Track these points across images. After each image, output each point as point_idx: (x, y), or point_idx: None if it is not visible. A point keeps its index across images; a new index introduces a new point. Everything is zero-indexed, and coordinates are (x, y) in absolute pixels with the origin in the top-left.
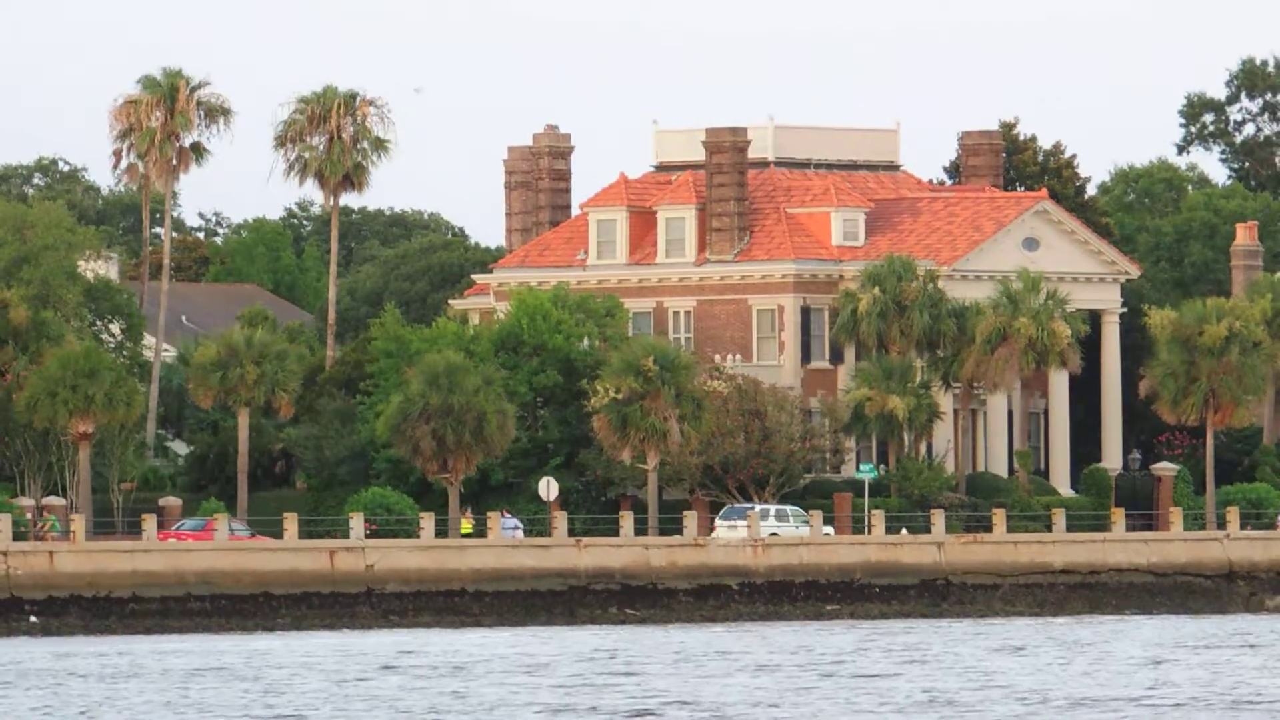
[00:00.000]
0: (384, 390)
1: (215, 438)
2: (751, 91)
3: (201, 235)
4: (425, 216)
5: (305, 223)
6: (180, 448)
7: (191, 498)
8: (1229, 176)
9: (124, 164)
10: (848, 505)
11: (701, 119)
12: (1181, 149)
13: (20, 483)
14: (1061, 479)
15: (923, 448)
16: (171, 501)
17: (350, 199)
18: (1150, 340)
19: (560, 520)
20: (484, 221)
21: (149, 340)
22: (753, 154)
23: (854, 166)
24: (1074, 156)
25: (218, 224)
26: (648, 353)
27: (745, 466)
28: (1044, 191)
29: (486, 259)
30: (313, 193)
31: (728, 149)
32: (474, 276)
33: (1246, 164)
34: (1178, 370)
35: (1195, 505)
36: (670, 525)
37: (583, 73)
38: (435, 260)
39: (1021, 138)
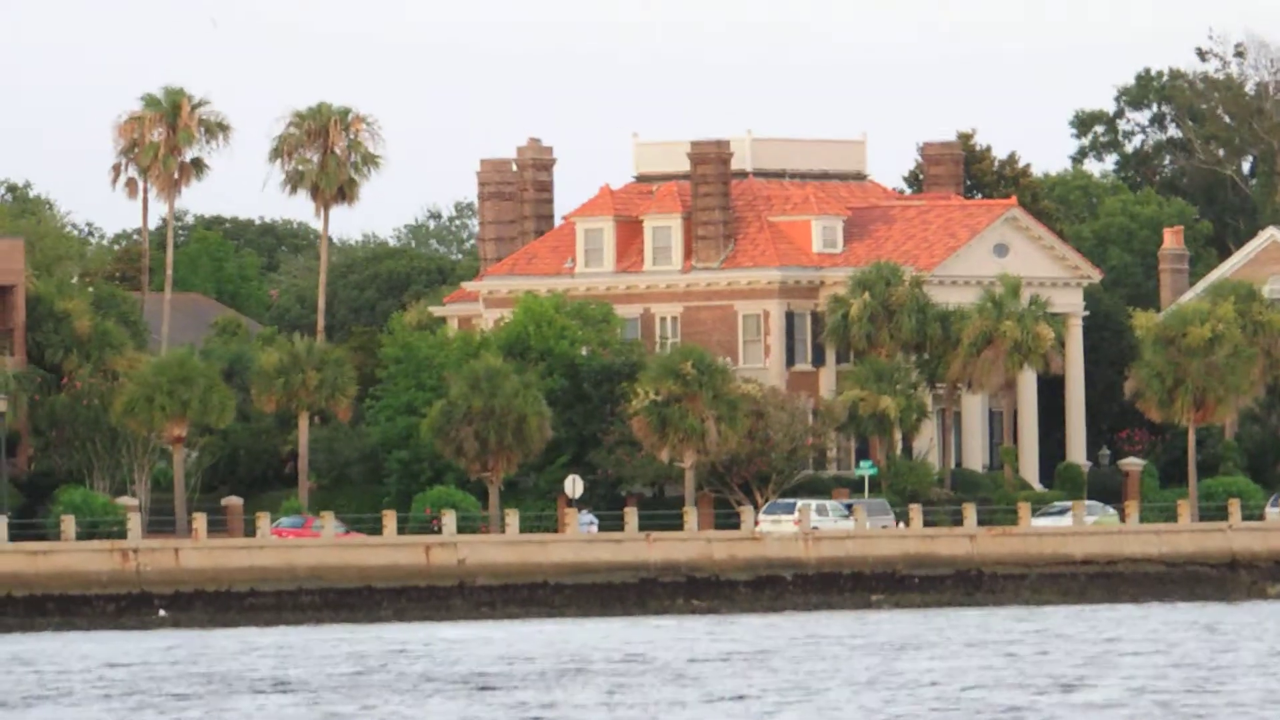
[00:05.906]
0: (394, 394)
1: (225, 441)
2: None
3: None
4: (294, 226)
5: (180, 233)
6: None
7: (204, 499)
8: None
9: (123, 178)
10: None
11: (674, 132)
12: (1077, 160)
13: (89, 483)
14: (1031, 475)
15: (899, 447)
16: (233, 501)
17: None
18: (1114, 341)
19: (631, 516)
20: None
21: None
22: (731, 165)
23: (825, 176)
24: (1028, 165)
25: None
26: (685, 357)
27: (748, 465)
28: (1014, 199)
29: (430, 268)
30: (304, 205)
31: (712, 160)
32: (464, 285)
33: (1138, 174)
34: (1164, 371)
35: (1161, 498)
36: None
37: (560, 89)
38: (382, 269)
39: (978, 148)
